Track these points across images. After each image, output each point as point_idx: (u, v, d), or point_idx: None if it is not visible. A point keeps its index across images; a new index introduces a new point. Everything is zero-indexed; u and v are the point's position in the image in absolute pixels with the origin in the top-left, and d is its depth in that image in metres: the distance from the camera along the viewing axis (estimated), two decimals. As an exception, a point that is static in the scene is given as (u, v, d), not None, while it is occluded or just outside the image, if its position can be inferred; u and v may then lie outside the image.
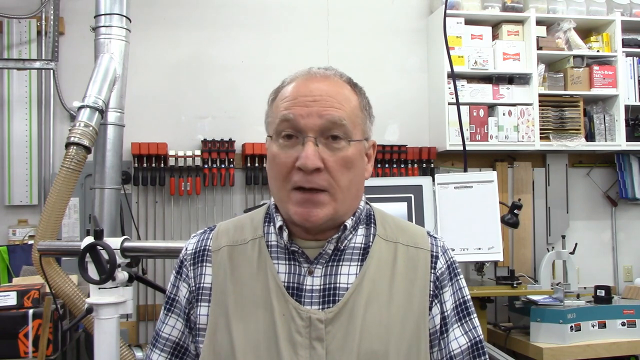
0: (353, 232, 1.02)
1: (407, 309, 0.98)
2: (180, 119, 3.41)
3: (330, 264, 0.99)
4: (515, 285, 3.09)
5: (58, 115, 3.26)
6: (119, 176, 2.58)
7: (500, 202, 2.95)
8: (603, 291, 3.13)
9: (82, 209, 3.18)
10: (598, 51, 3.62)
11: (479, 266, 3.12)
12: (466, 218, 2.86)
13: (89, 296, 1.79)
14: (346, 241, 1.01)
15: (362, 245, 1.01)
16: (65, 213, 2.32)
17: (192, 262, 1.04)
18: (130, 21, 2.63)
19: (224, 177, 3.32)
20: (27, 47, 3.23)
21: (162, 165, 3.26)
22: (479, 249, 2.85)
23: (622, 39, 3.59)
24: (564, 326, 2.85)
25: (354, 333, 0.94)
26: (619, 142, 3.58)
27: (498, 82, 3.52)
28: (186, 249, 1.07)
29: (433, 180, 2.99)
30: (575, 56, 3.59)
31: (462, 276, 1.06)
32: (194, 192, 3.31)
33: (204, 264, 1.03)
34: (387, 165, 3.48)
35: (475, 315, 1.05)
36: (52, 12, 3.20)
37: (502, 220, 3.00)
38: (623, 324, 2.99)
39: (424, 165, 3.56)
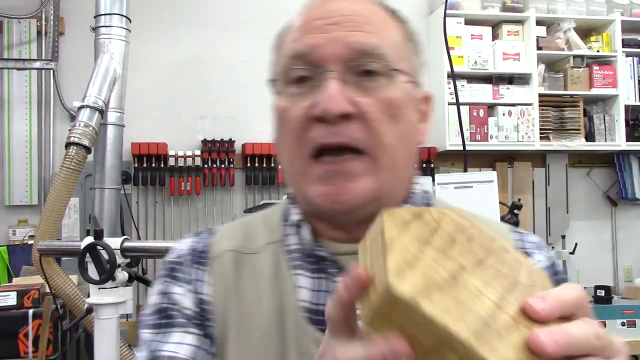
0: None
1: None
2: (180, 119, 3.41)
3: None
4: (515, 285, 3.08)
5: (58, 115, 3.27)
6: (119, 176, 2.58)
7: (500, 202, 2.94)
8: (603, 291, 3.13)
9: (82, 209, 3.18)
10: (598, 51, 3.62)
11: (479, 266, 3.12)
12: (466, 218, 2.86)
13: (89, 296, 1.80)
14: None
15: None
16: (65, 213, 2.32)
17: (191, 262, 0.74)
18: (130, 21, 2.63)
19: (224, 177, 3.32)
20: (27, 47, 3.23)
21: (162, 165, 3.26)
22: (479, 249, 2.85)
23: (622, 39, 3.60)
24: (564, 326, 2.85)
25: None
26: (619, 142, 3.58)
27: (498, 82, 3.52)
28: (179, 249, 0.77)
29: (433, 180, 2.99)
30: (575, 56, 3.59)
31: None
32: (194, 192, 3.31)
33: (204, 266, 0.73)
34: (387, 165, 3.48)
35: None
36: (52, 12, 3.21)
37: (502, 220, 3.00)
38: (623, 324, 2.99)
39: (424, 165, 3.56)
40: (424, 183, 0.76)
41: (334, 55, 0.64)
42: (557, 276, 0.74)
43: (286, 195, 0.76)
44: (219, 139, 3.34)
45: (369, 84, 0.64)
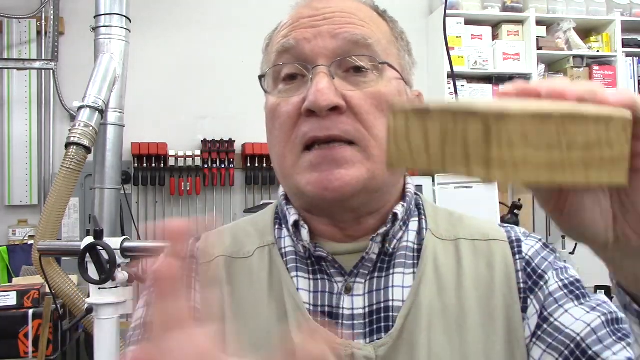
0: (404, 227, 0.69)
1: (489, 325, 0.65)
2: (180, 119, 3.41)
3: (376, 274, 0.66)
4: (515, 285, 3.08)
5: (58, 115, 3.27)
6: (119, 176, 2.58)
7: (500, 202, 2.95)
8: (603, 291, 3.13)
9: (82, 209, 3.18)
10: (598, 51, 3.62)
11: (479, 266, 3.12)
12: (466, 218, 2.86)
13: (89, 296, 1.80)
14: (395, 240, 0.67)
15: (416, 247, 0.69)
16: (65, 213, 2.32)
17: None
18: (131, 21, 2.63)
19: (224, 177, 3.32)
20: (27, 47, 3.23)
21: (162, 165, 3.26)
22: (479, 249, 2.85)
23: (622, 39, 3.60)
24: (564, 326, 2.85)
25: None
26: (619, 142, 3.58)
27: (498, 82, 3.52)
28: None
29: (433, 180, 2.99)
30: (575, 56, 3.59)
31: (564, 261, 0.71)
32: (194, 192, 3.31)
33: (195, 274, 0.70)
34: (387, 165, 3.48)
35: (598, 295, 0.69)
36: (52, 12, 3.21)
37: (502, 220, 3.00)
38: (623, 324, 3.00)
39: (424, 165, 3.56)
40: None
41: (323, 48, 0.63)
42: (550, 259, 0.69)
43: (281, 195, 0.72)
44: (219, 139, 3.34)
45: (359, 79, 0.63)
